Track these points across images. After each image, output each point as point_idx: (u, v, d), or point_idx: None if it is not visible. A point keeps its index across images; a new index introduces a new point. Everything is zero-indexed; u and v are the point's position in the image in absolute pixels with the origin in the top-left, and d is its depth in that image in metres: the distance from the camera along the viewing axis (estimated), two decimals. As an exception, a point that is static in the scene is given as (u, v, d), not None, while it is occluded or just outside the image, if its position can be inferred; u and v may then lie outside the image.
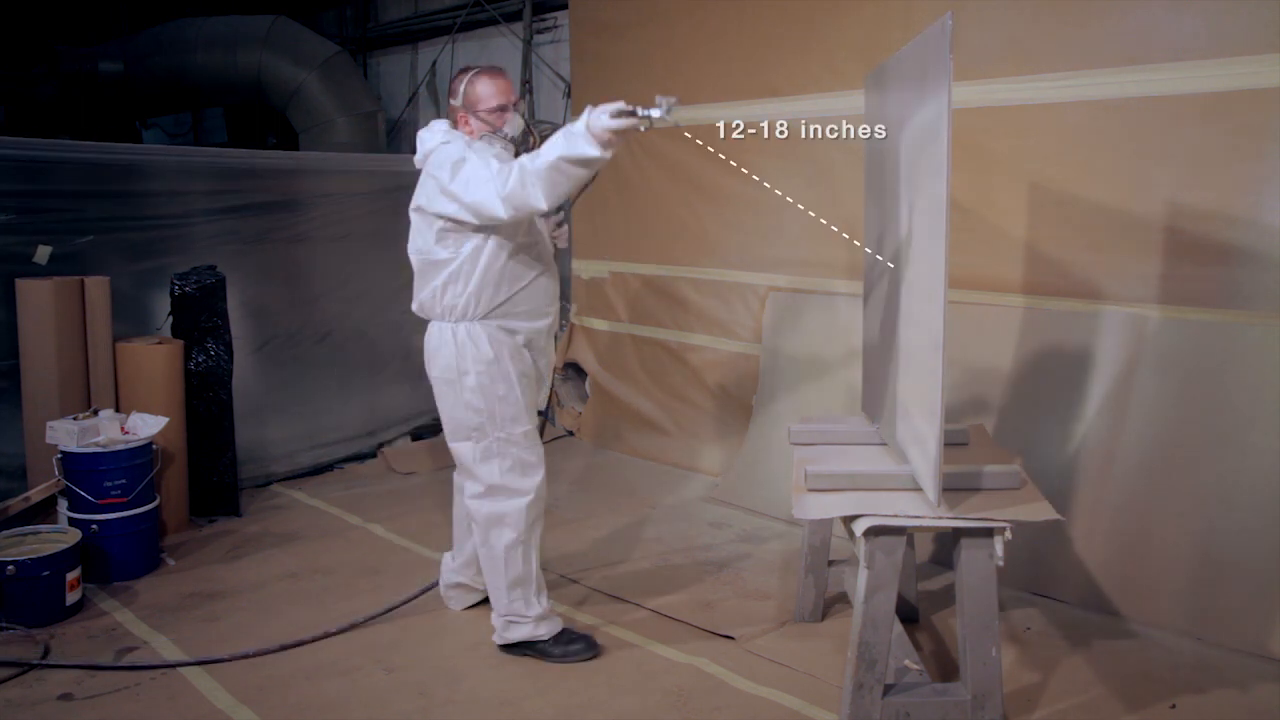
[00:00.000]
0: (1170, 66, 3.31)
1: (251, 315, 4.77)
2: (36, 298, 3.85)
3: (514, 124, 2.94)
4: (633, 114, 2.52)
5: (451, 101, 2.97)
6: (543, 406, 3.15)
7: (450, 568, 3.34)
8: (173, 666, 2.97)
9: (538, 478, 2.96)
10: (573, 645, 3.02)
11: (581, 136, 2.53)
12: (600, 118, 2.52)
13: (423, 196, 2.85)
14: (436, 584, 3.37)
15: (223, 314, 4.26)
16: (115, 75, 7.43)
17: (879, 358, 3.05)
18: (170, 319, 4.25)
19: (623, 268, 5.39)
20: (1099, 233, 3.52)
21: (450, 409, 2.94)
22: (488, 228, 2.79)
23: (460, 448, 2.95)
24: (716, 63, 4.76)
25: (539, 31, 6.15)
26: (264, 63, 6.68)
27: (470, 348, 2.86)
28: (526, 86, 6.17)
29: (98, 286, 3.99)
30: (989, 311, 3.80)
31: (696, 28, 4.83)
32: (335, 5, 7.92)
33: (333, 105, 6.60)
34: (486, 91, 2.91)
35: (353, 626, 3.22)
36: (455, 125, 2.95)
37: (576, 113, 5.65)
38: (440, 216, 2.80)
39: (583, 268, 5.63)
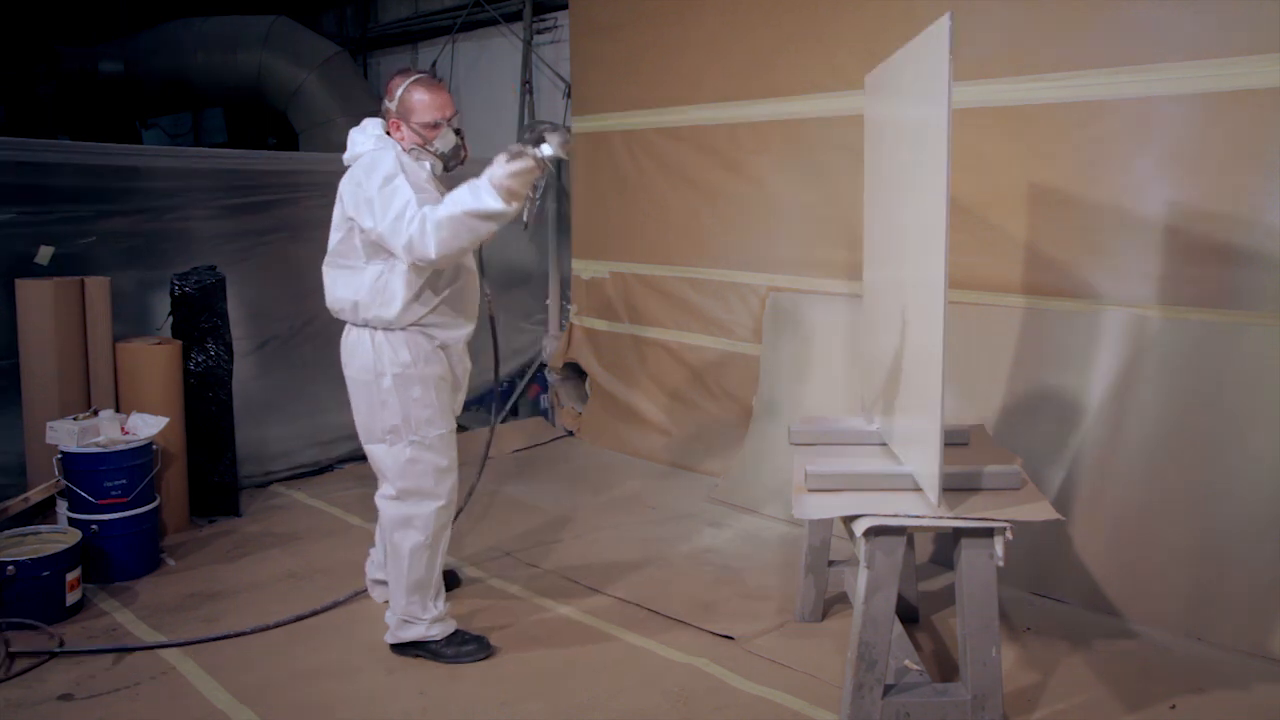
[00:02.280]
0: (1170, 66, 3.31)
1: (251, 315, 4.77)
2: (36, 298, 3.85)
3: (445, 139, 2.87)
4: (522, 154, 2.52)
5: (386, 103, 2.88)
6: (459, 412, 3.12)
7: (376, 562, 3.36)
8: (196, 644, 2.99)
9: (450, 482, 2.96)
10: (465, 646, 3.00)
11: (485, 189, 2.54)
12: (501, 171, 2.53)
13: (349, 201, 2.79)
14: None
15: (222, 314, 4.26)
16: (115, 75, 7.43)
17: (879, 358, 3.05)
18: (170, 319, 4.25)
19: (623, 268, 5.39)
20: (1099, 233, 3.52)
21: (366, 410, 2.93)
22: None
23: (374, 450, 2.94)
24: (717, 62, 4.76)
25: (539, 31, 6.15)
26: (264, 63, 6.68)
27: (388, 350, 2.86)
28: (526, 86, 6.17)
29: (98, 286, 3.99)
30: (989, 311, 3.80)
31: (697, 28, 4.83)
32: (335, 5, 7.92)
33: (333, 105, 6.60)
34: (422, 104, 2.84)
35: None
36: (388, 130, 2.89)
37: (577, 113, 5.68)
38: (354, 221, 2.78)
39: (583, 268, 5.63)
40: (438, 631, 3.00)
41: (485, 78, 6.63)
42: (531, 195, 2.76)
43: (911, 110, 2.58)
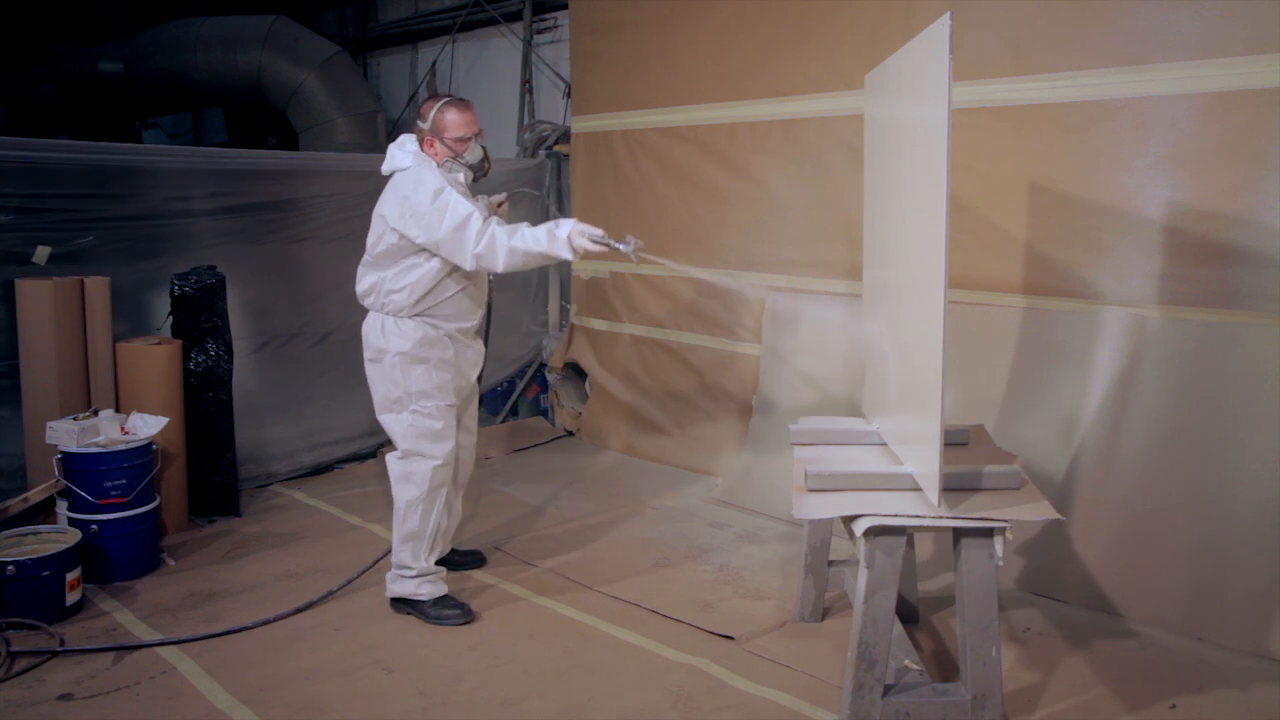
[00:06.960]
0: (1170, 66, 3.31)
1: (251, 315, 4.76)
2: (36, 298, 3.85)
3: (473, 152, 3.29)
4: (606, 244, 3.05)
5: (420, 125, 3.28)
6: (475, 385, 3.52)
7: None
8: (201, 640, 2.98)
9: (447, 445, 3.31)
10: (448, 610, 3.29)
11: (563, 244, 3.04)
12: (582, 240, 3.04)
13: (391, 210, 3.16)
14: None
15: (223, 314, 4.26)
16: (115, 75, 7.43)
17: (879, 357, 3.05)
18: (170, 319, 4.25)
19: (623, 268, 5.39)
20: (1099, 233, 3.52)
21: (377, 385, 3.34)
22: (429, 252, 3.16)
23: (385, 419, 3.35)
24: (717, 62, 4.76)
25: (539, 31, 6.15)
26: (264, 63, 6.68)
27: (395, 334, 3.25)
28: (526, 86, 6.17)
29: (98, 286, 3.99)
30: (989, 311, 3.80)
31: (697, 28, 4.83)
32: (335, 5, 7.93)
33: (333, 105, 6.60)
34: (454, 122, 3.24)
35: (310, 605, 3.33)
36: (421, 146, 3.26)
37: (577, 112, 5.67)
38: (398, 232, 3.14)
39: (583, 268, 5.63)
40: (426, 592, 3.29)
41: (485, 78, 6.64)
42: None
43: (911, 110, 2.58)
